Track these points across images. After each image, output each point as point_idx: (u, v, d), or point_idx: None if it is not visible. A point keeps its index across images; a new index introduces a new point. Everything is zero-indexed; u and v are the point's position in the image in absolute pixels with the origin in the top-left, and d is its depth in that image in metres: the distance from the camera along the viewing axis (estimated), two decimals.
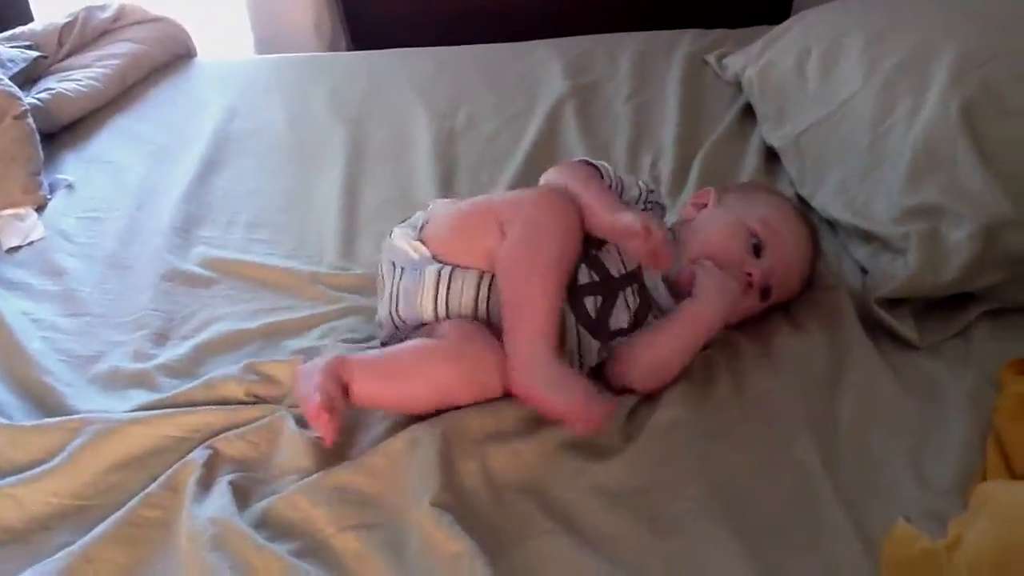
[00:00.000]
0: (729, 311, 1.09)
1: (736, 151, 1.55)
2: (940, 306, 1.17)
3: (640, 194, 1.18)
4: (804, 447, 1.00)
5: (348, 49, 2.56)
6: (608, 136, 1.62)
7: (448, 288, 1.06)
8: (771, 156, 1.52)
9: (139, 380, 1.12)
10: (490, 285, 1.06)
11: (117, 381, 1.12)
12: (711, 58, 1.81)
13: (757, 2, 2.43)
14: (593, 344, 1.07)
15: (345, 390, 0.97)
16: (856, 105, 1.40)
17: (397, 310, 1.09)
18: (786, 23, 1.70)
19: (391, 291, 1.10)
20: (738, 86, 1.71)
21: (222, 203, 1.46)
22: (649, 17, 2.19)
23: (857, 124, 1.37)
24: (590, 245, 1.09)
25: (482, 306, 1.06)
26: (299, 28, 2.47)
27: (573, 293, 1.06)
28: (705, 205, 1.23)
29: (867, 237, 1.26)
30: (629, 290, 1.10)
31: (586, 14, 2.45)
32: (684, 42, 1.90)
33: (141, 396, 1.08)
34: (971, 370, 1.09)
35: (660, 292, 1.13)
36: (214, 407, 1.05)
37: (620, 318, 1.09)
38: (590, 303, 1.08)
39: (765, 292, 1.14)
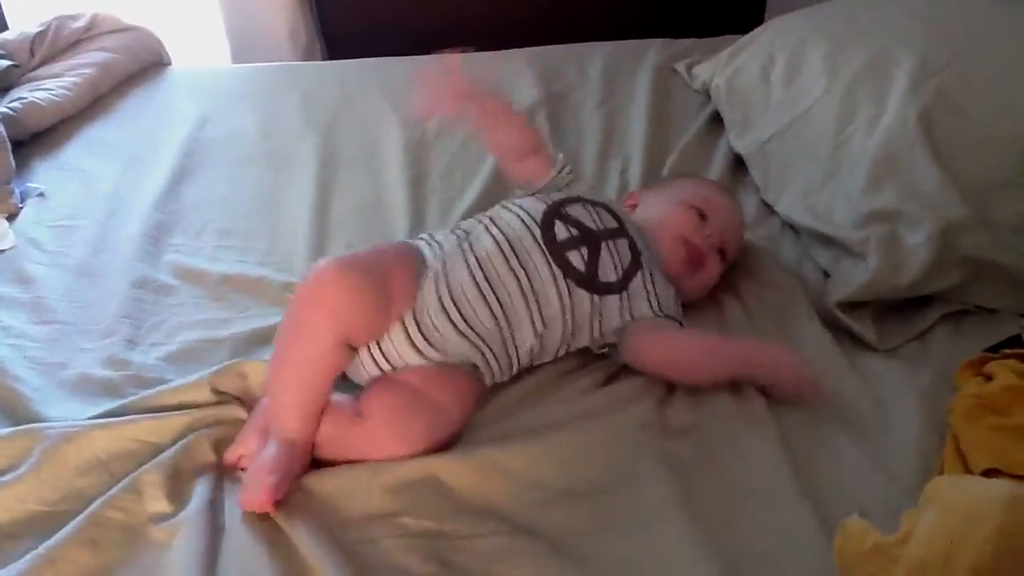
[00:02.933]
0: (787, 383, 1.08)
1: (704, 158, 1.58)
2: (900, 308, 1.20)
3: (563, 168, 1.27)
4: (762, 444, 1.01)
5: (324, 58, 2.58)
6: (578, 142, 1.64)
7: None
8: (738, 163, 1.55)
9: (108, 387, 1.12)
10: None
11: (86, 388, 1.12)
12: (680, 67, 1.84)
13: (730, 13, 2.48)
14: (583, 296, 1.10)
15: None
16: (818, 112, 1.42)
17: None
18: (753, 32, 1.73)
19: None
20: (707, 95, 1.73)
21: (193, 211, 1.47)
22: (621, 27, 2.22)
23: (819, 131, 1.40)
24: (558, 205, 1.16)
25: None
26: (275, 37, 2.49)
27: (554, 251, 1.10)
28: (636, 204, 1.30)
29: (828, 242, 1.28)
30: (612, 243, 1.13)
31: (559, 24, 2.49)
32: (653, 51, 1.93)
33: (109, 403, 1.08)
34: (927, 370, 1.11)
35: (647, 249, 1.18)
36: (180, 411, 1.05)
37: (608, 271, 1.12)
38: (575, 257, 1.11)
39: (722, 253, 1.23)
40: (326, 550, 0.87)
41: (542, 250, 1.11)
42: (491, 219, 1.16)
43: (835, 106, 1.40)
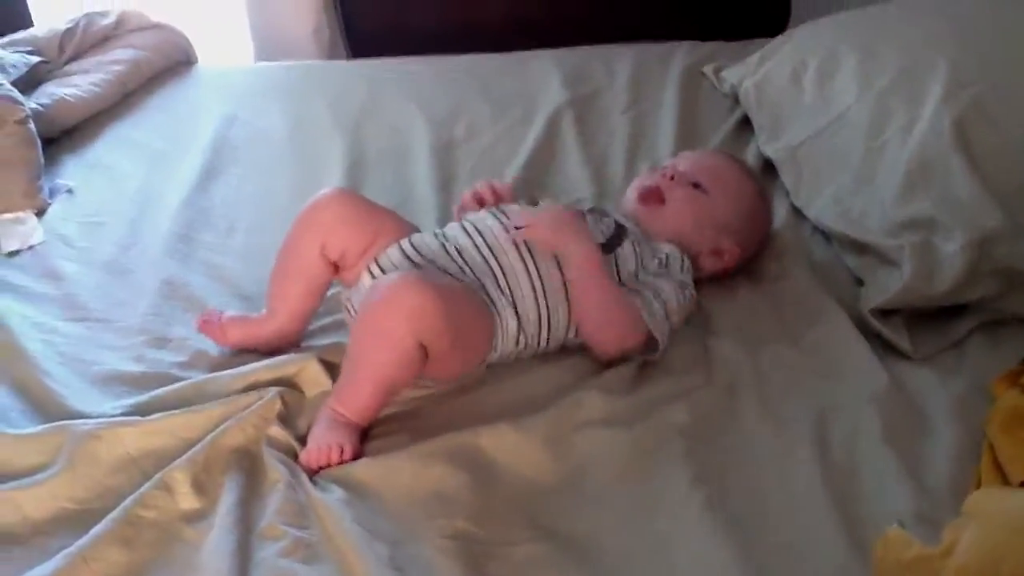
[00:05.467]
0: (570, 227, 1.12)
1: None
2: (934, 316, 1.18)
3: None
4: (794, 449, 1.01)
5: (347, 57, 2.58)
6: (605, 146, 1.63)
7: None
8: (767, 168, 1.54)
9: (139, 384, 1.12)
10: None
11: (116, 384, 1.12)
12: (708, 70, 1.83)
13: (755, 16, 2.46)
14: None
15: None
16: (851, 118, 1.41)
17: None
18: (782, 37, 1.72)
19: None
20: (735, 98, 1.72)
21: (222, 209, 1.47)
22: (644, 28, 2.21)
23: (852, 137, 1.39)
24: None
25: None
26: (299, 35, 2.49)
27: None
28: None
29: (860, 248, 1.27)
30: (595, 216, 1.20)
31: (581, 25, 2.48)
32: (680, 54, 1.92)
33: (139, 397, 1.08)
34: (962, 379, 1.10)
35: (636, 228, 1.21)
36: (210, 404, 1.05)
37: (595, 233, 1.16)
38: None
39: (698, 185, 1.24)
40: (363, 551, 0.87)
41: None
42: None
43: (868, 112, 1.39)
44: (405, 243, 1.15)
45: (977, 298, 1.16)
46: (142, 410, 1.06)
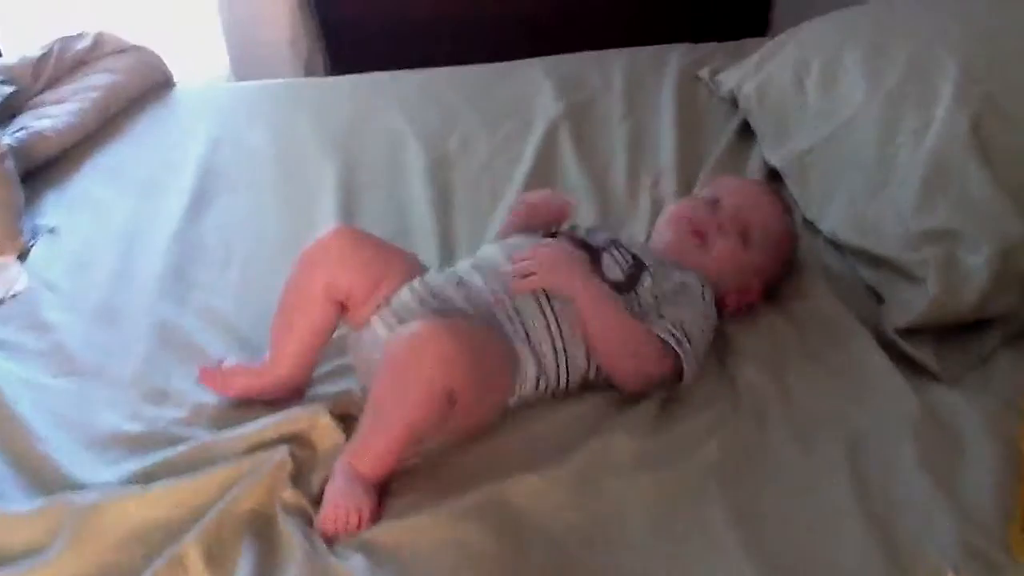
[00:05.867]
0: (566, 268, 1.08)
1: (737, 171, 1.52)
2: (957, 332, 1.15)
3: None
4: (830, 481, 0.97)
5: (326, 66, 2.52)
6: (606, 158, 1.59)
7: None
8: (774, 174, 1.49)
9: (138, 445, 1.06)
10: None
11: (115, 446, 1.07)
12: (704, 74, 1.78)
13: (735, 16, 2.43)
14: None
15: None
16: (860, 123, 1.37)
17: None
18: (780, 38, 1.67)
19: None
20: (733, 102, 1.68)
21: (215, 241, 1.42)
22: (626, 29, 2.17)
23: (862, 143, 1.35)
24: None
25: None
26: (275, 46, 2.43)
27: None
28: None
29: (877, 262, 1.23)
30: (613, 250, 1.15)
31: (565, 18, 2.43)
32: (674, 58, 1.87)
33: (141, 461, 1.03)
34: (991, 397, 1.07)
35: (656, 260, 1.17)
36: (217, 467, 1.00)
37: (613, 271, 1.13)
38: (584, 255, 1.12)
39: (745, 236, 1.18)
40: None
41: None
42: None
43: (878, 116, 1.34)
44: (416, 284, 1.10)
45: (1002, 311, 1.13)
46: (145, 476, 1.00)
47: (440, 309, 1.06)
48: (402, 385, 0.95)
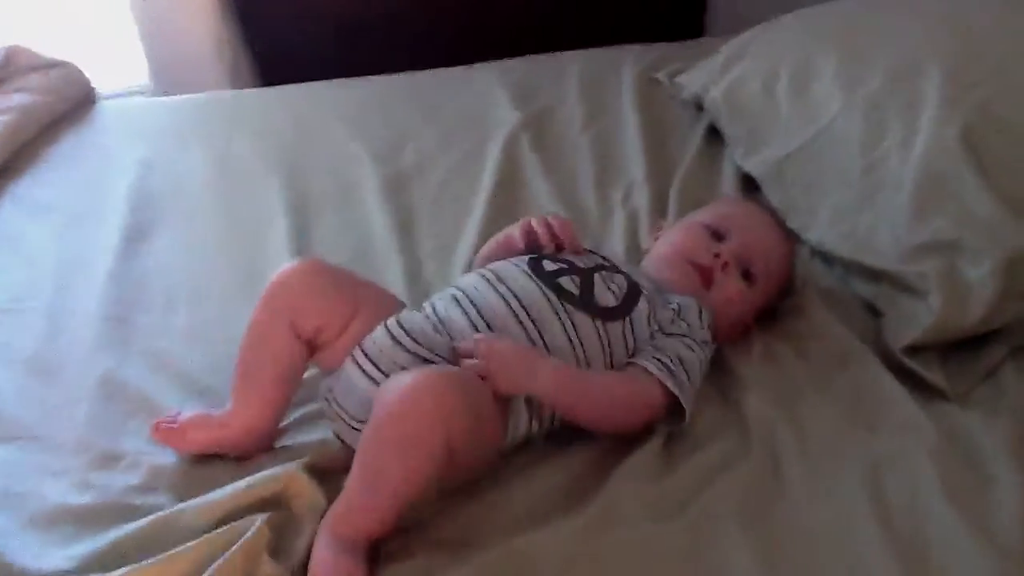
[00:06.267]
0: (518, 369, 0.97)
1: (712, 178, 1.47)
2: (961, 347, 1.10)
3: None
4: (854, 519, 0.91)
5: (253, 73, 2.38)
6: (572, 172, 1.51)
7: None
8: (749, 180, 1.44)
9: (90, 519, 0.94)
10: None
11: (62, 522, 0.94)
12: (663, 77, 1.72)
13: (669, 17, 2.40)
14: (584, 319, 1.01)
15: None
16: (839, 130, 1.32)
17: None
18: (744, 37, 1.62)
19: None
20: (697, 106, 1.62)
21: (156, 279, 1.29)
22: (560, 29, 2.11)
23: (844, 151, 1.30)
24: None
25: None
26: (198, 54, 2.29)
27: (545, 279, 1.04)
28: (662, 233, 1.23)
29: (874, 275, 1.18)
30: (605, 273, 1.07)
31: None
32: (629, 60, 1.81)
33: (94, 541, 0.91)
34: (1007, 415, 1.02)
35: (651, 283, 1.10)
36: (183, 548, 0.88)
37: (606, 296, 1.04)
38: (567, 282, 1.04)
39: (748, 275, 1.12)
40: None
41: (530, 277, 1.04)
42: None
43: (858, 124, 1.30)
44: (392, 324, 1.00)
45: (1008, 323, 1.09)
46: (99, 560, 0.88)
47: (420, 355, 0.97)
48: (400, 442, 0.86)
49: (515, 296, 1.02)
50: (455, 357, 0.97)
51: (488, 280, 1.05)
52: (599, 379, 1.01)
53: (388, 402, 0.88)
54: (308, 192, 1.47)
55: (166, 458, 1.01)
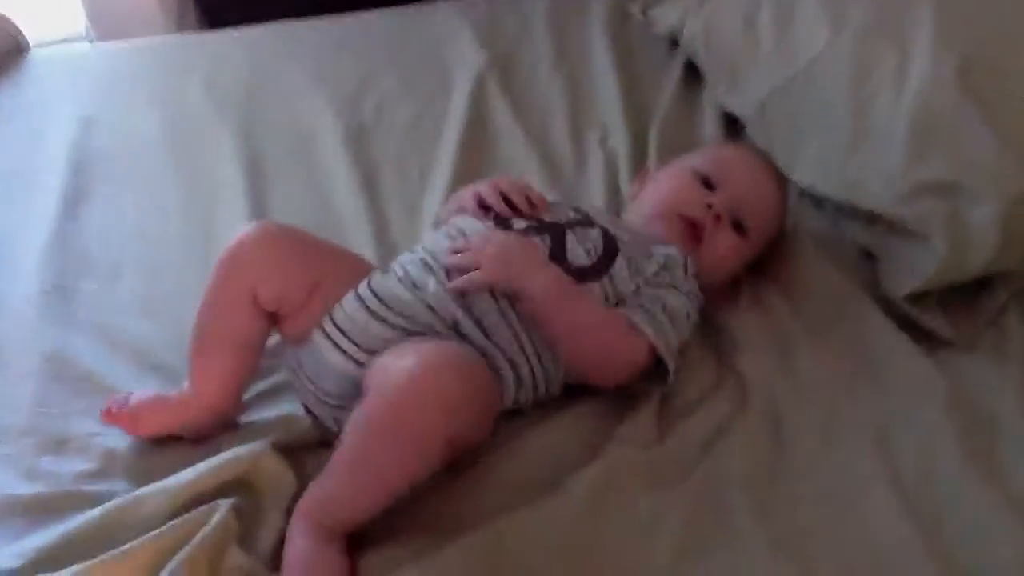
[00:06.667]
0: (515, 261, 0.93)
1: (693, 118, 1.39)
2: (960, 292, 1.05)
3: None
4: (866, 483, 0.87)
5: (198, 14, 2.24)
6: (543, 115, 1.42)
7: None
8: (732, 120, 1.37)
9: (38, 510, 0.87)
10: None
11: (9, 515, 0.87)
12: (635, 10, 1.62)
13: None
14: None
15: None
16: (826, 65, 1.24)
17: None
18: None
19: None
20: (673, 41, 1.54)
21: (101, 247, 1.19)
22: None
23: (831, 87, 1.22)
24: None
25: None
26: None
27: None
28: (648, 180, 1.15)
29: (868, 217, 1.12)
30: (578, 229, 0.99)
31: None
32: None
33: (45, 535, 0.84)
34: (1015, 362, 0.98)
35: (632, 235, 1.02)
36: (141, 540, 0.81)
37: (579, 255, 0.97)
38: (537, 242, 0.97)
39: (739, 226, 1.05)
40: None
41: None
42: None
43: (846, 58, 1.21)
44: (364, 291, 0.93)
45: (1009, 267, 1.04)
46: (52, 556, 0.81)
47: (399, 325, 0.90)
48: (397, 436, 0.80)
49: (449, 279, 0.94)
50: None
51: (453, 240, 0.97)
52: (593, 307, 0.94)
53: (387, 389, 0.81)
54: (265, 148, 1.36)
55: (120, 440, 0.94)
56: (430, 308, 0.91)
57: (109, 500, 0.86)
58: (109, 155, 1.35)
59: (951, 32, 1.14)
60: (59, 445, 0.94)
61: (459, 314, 0.91)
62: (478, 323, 0.91)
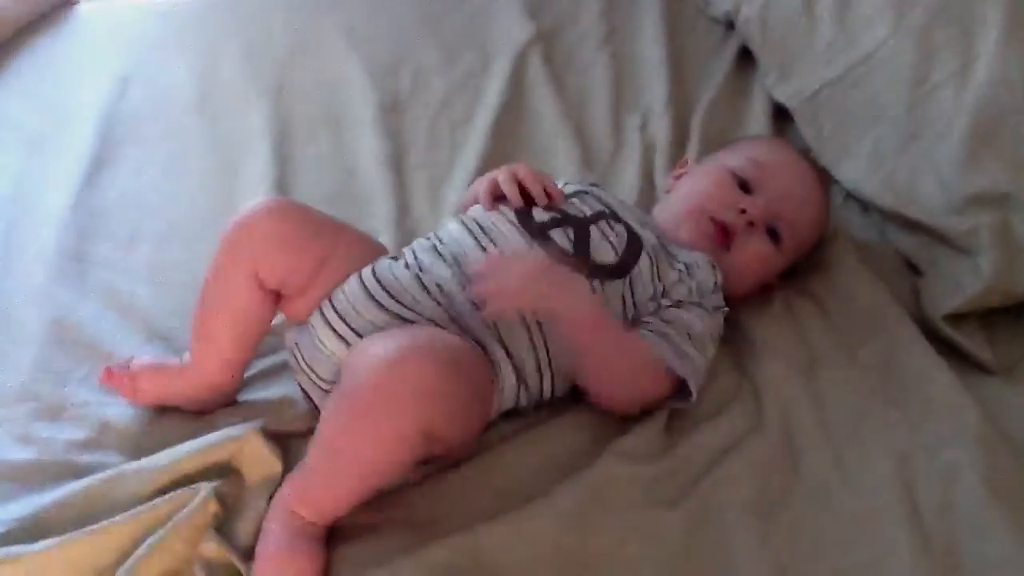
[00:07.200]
0: (547, 285, 0.85)
1: (740, 108, 1.33)
2: (1004, 315, 0.98)
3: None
4: (881, 519, 0.80)
5: None
6: (584, 95, 1.37)
7: None
8: (782, 112, 1.29)
9: (29, 477, 0.86)
10: None
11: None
12: None
13: None
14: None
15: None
16: (885, 58, 1.17)
17: None
18: None
19: None
20: (729, 24, 1.46)
21: (120, 209, 1.18)
22: None
23: (888, 82, 1.15)
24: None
25: None
26: None
27: (534, 232, 0.92)
28: (685, 173, 1.09)
29: (913, 226, 1.05)
30: (603, 224, 0.94)
31: None
32: None
33: (30, 502, 0.83)
34: None
35: (658, 235, 0.98)
36: (121, 517, 0.80)
37: (604, 251, 0.92)
38: (559, 236, 0.92)
39: (774, 234, 0.99)
40: None
41: (517, 229, 0.91)
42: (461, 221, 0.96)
43: (907, 52, 1.14)
44: (367, 275, 0.89)
45: None
46: (35, 523, 0.81)
47: (399, 314, 0.86)
48: (368, 424, 0.76)
49: (498, 251, 0.90)
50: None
51: (471, 231, 0.93)
52: (625, 340, 0.88)
53: (360, 373, 0.77)
54: (295, 115, 1.34)
55: (117, 411, 0.93)
56: (433, 298, 0.87)
57: (100, 471, 0.85)
58: (140, 116, 1.34)
59: (1021, 31, 1.05)
60: (55, 412, 0.93)
61: (471, 306, 0.86)
62: (493, 325, 0.87)
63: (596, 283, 0.89)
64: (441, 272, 0.89)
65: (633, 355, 0.87)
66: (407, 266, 0.90)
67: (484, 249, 0.90)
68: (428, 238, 0.95)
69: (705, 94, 1.34)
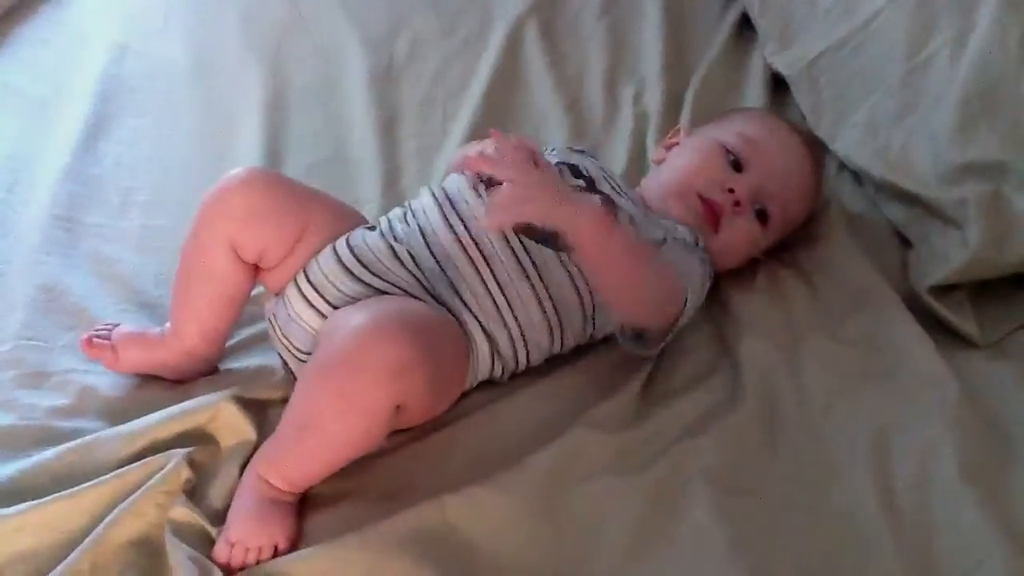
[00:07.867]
0: (553, 190, 0.79)
1: (736, 79, 1.31)
2: (993, 288, 0.96)
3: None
4: (853, 496, 0.80)
5: None
6: (580, 65, 1.35)
7: None
8: (779, 83, 1.27)
9: (8, 442, 0.87)
10: None
11: None
12: None
13: None
14: (547, 254, 0.87)
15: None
16: (883, 26, 1.14)
17: None
18: None
19: None
20: None
21: (113, 177, 1.19)
22: None
23: (885, 50, 1.13)
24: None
25: None
26: None
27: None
28: (676, 144, 1.06)
29: (907, 198, 1.03)
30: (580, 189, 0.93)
31: None
32: None
33: (7, 467, 0.84)
34: None
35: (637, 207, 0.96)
36: (94, 483, 0.81)
37: None
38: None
39: (763, 215, 0.97)
40: None
41: (483, 201, 0.89)
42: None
43: (905, 19, 1.11)
44: (341, 247, 0.89)
45: None
46: (11, 487, 0.82)
47: (373, 284, 0.86)
48: (339, 402, 0.76)
49: (463, 224, 0.89)
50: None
51: (438, 201, 0.91)
52: (643, 242, 0.85)
53: (332, 345, 0.77)
54: (289, 83, 1.34)
55: (99, 378, 0.94)
56: (406, 268, 0.87)
57: (78, 438, 0.86)
58: (136, 85, 1.34)
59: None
60: (38, 378, 0.93)
61: (441, 274, 0.86)
62: (463, 283, 0.86)
63: (566, 258, 0.88)
64: (414, 240, 0.88)
65: (657, 267, 0.84)
66: (382, 235, 0.90)
67: (448, 223, 0.89)
68: (402, 206, 0.95)
69: (701, 64, 1.32)
